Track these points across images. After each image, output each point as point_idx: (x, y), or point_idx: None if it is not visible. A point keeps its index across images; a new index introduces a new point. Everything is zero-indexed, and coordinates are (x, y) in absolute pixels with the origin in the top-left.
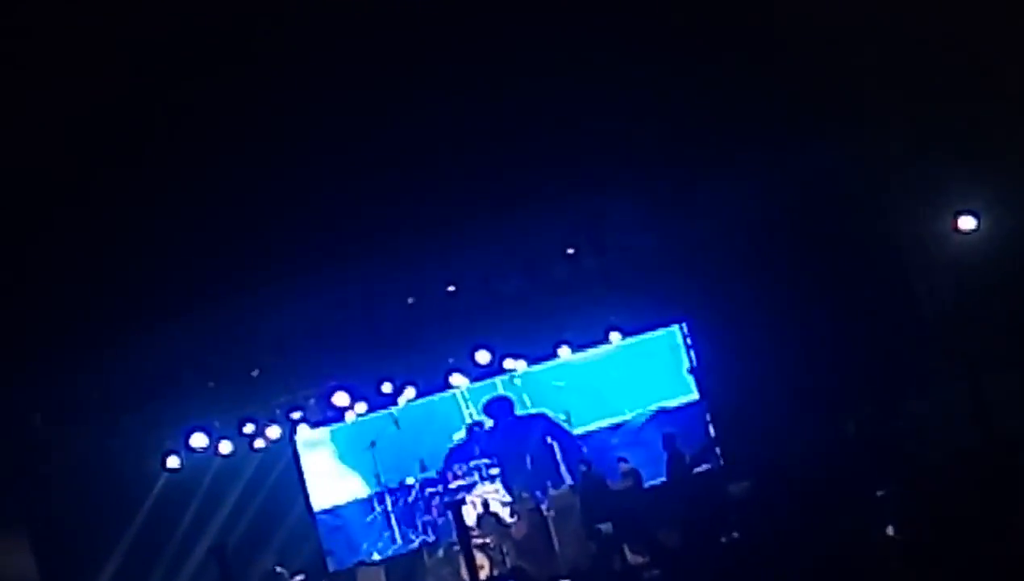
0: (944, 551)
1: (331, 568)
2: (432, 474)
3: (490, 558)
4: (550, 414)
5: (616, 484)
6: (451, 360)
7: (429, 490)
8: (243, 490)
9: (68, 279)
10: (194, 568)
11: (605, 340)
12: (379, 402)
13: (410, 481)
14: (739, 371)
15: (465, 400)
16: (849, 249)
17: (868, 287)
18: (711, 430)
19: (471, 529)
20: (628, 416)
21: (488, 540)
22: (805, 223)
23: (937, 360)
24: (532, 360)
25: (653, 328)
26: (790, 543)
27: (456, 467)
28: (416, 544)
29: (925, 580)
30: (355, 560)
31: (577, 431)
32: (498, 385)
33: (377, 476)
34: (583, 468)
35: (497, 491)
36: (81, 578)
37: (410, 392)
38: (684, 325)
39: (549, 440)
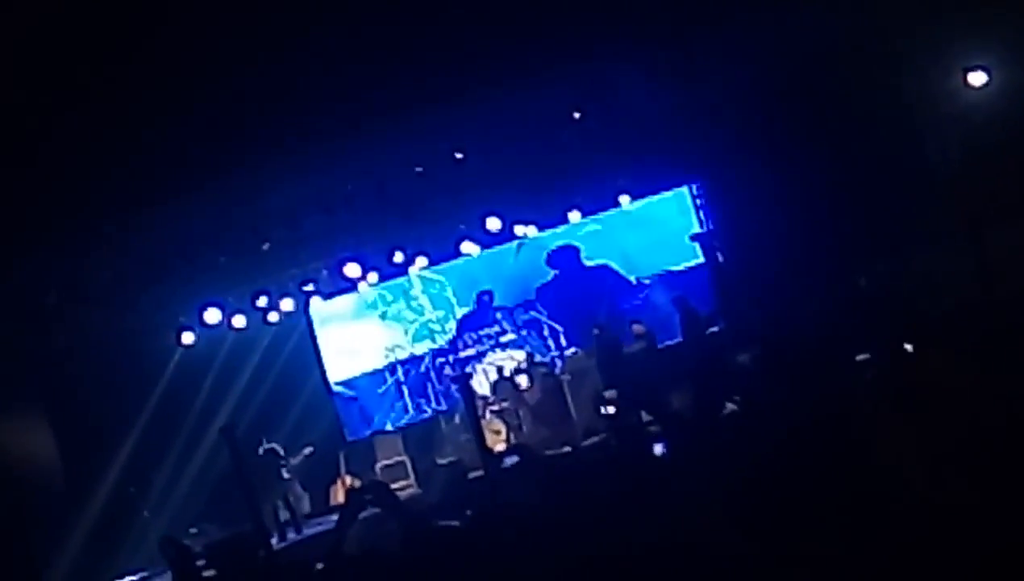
0: (938, 416)
1: (348, 439)
2: (443, 344)
3: (506, 423)
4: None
5: (631, 347)
6: (462, 228)
7: (440, 360)
8: (258, 363)
9: (80, 157)
10: (213, 440)
11: (615, 203)
12: (391, 272)
13: (421, 351)
14: (749, 231)
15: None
16: (858, 107)
17: (877, 145)
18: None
19: (487, 397)
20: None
21: (505, 405)
22: (814, 82)
23: (944, 215)
24: (542, 225)
25: (663, 190)
26: (788, 413)
27: (467, 336)
28: (429, 414)
29: (912, 437)
30: (370, 431)
31: None
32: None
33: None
34: (595, 331)
35: (511, 358)
36: (100, 454)
37: (422, 261)
38: (694, 186)
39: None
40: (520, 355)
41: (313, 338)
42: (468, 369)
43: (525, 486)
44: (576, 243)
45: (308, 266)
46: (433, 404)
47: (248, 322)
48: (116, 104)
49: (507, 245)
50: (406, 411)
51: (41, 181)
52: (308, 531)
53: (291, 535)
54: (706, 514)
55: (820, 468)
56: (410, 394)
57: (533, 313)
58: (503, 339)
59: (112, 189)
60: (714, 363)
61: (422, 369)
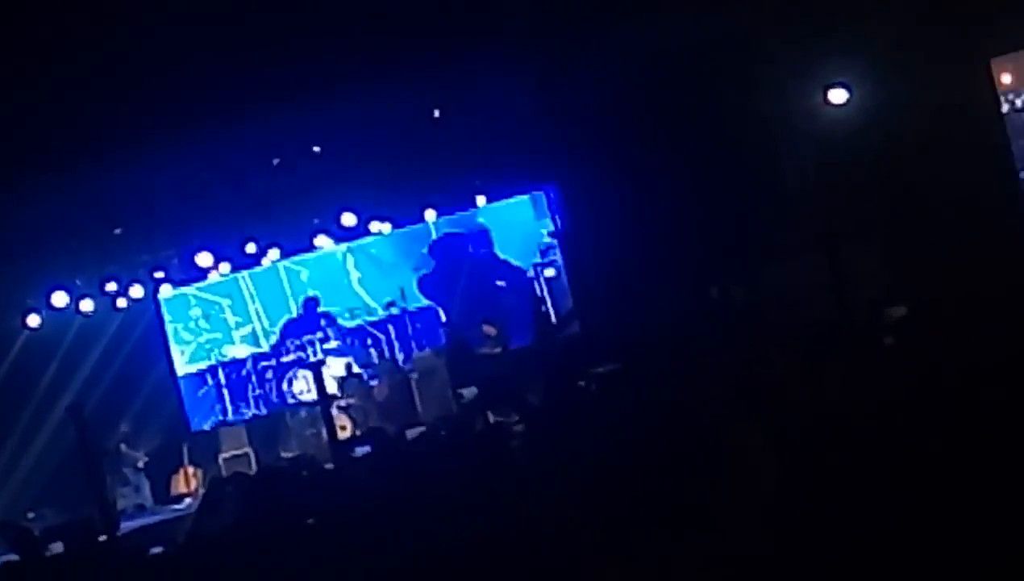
0: (786, 420)
1: (192, 429)
2: (266, 348)
3: (352, 419)
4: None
5: (482, 348)
6: (316, 221)
7: (262, 364)
8: (105, 349)
9: None
10: (54, 425)
11: (471, 204)
12: (243, 262)
13: (242, 355)
14: (604, 238)
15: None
16: (718, 121)
17: (734, 158)
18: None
19: (334, 394)
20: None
21: (352, 401)
22: (675, 93)
23: (799, 232)
24: (397, 223)
25: (519, 192)
26: (639, 413)
27: (289, 341)
28: (248, 417)
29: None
30: (215, 421)
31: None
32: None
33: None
34: (447, 331)
35: (332, 364)
36: None
37: (274, 253)
38: (551, 191)
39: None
40: (342, 363)
41: (162, 325)
42: (290, 374)
43: (375, 476)
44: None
45: (160, 253)
46: (252, 408)
47: (96, 307)
48: None
49: (336, 249)
50: (224, 414)
51: None
52: (149, 519)
53: (131, 522)
54: (553, 506)
55: (670, 466)
56: (231, 398)
57: (359, 320)
58: (326, 346)
59: None
60: (568, 366)
61: (243, 373)
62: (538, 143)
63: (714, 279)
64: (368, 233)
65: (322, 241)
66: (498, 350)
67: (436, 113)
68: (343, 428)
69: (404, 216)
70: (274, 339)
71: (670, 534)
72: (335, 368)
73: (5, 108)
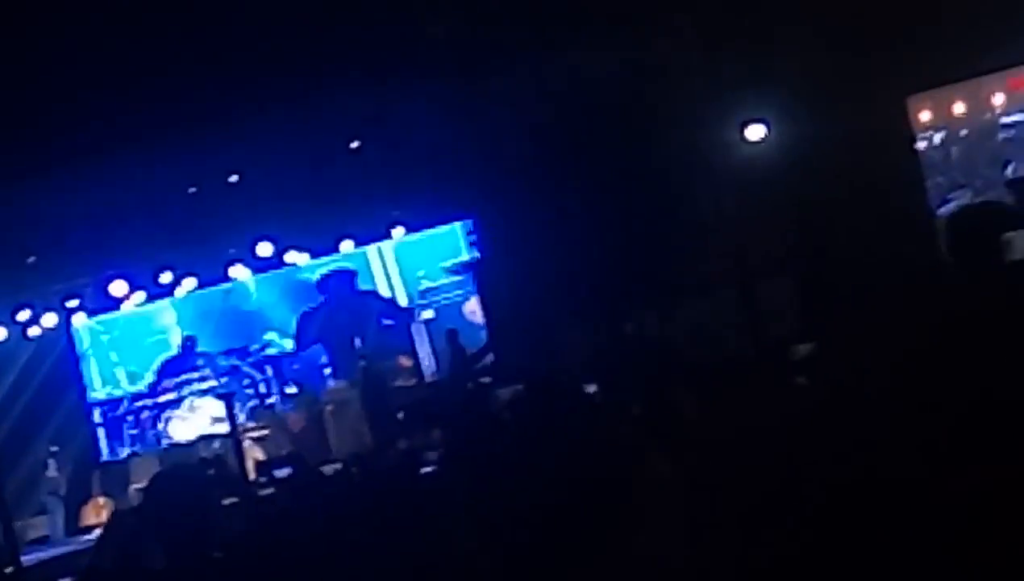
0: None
1: (103, 459)
2: (142, 387)
3: (266, 451)
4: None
5: (396, 380)
6: (232, 251)
7: (138, 403)
8: (16, 378)
9: None
10: None
11: (388, 235)
12: (158, 292)
13: (119, 393)
14: (521, 270)
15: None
16: (634, 154)
17: (651, 192)
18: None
19: (244, 424)
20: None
21: (265, 432)
22: (593, 126)
23: (715, 266)
24: (315, 254)
25: (437, 224)
26: (547, 444)
27: (167, 380)
28: (122, 457)
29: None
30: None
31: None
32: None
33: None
34: (362, 363)
35: (206, 405)
36: None
37: (190, 282)
38: (468, 222)
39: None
40: (217, 404)
41: (75, 355)
42: (166, 415)
43: (297, 501)
44: (350, 267)
45: (74, 281)
46: (128, 447)
47: (8, 335)
48: None
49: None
50: (99, 453)
51: None
52: (57, 550)
53: (40, 553)
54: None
55: (577, 502)
56: (107, 435)
57: (235, 360)
58: (203, 386)
59: None
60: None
61: (120, 411)
62: (456, 175)
63: (629, 314)
64: (284, 264)
65: (237, 271)
66: (413, 382)
67: (355, 144)
68: (257, 460)
69: (321, 246)
70: (150, 379)
71: (576, 562)
72: (212, 409)
73: None
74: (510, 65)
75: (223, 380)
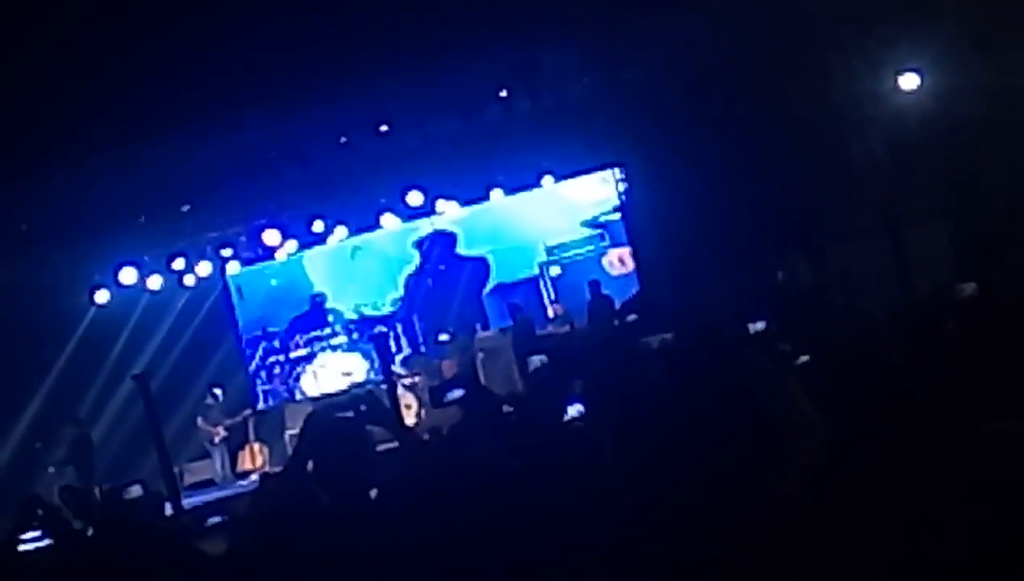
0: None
1: (260, 406)
2: (275, 343)
3: (418, 398)
4: (490, 260)
5: (548, 327)
6: (383, 200)
7: (271, 358)
8: (173, 325)
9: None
10: (121, 401)
11: (537, 183)
12: (310, 240)
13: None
14: (670, 220)
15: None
16: (787, 104)
17: (803, 142)
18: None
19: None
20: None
21: (416, 380)
22: (743, 75)
23: (867, 214)
24: (464, 202)
25: (587, 172)
26: (701, 396)
27: (298, 336)
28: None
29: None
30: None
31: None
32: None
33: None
34: (516, 310)
35: (336, 361)
36: (8, 412)
37: (341, 231)
38: (618, 169)
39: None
40: (352, 359)
41: (229, 303)
42: (298, 370)
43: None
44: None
45: (227, 231)
46: (260, 403)
47: (164, 284)
48: (42, 58)
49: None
50: (256, 400)
51: None
52: (219, 493)
53: (203, 496)
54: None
55: (727, 449)
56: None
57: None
58: (333, 342)
59: (32, 144)
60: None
61: (252, 367)
62: (606, 124)
63: (781, 261)
64: (434, 212)
65: (388, 220)
66: (565, 329)
67: (504, 93)
68: (408, 407)
69: (470, 195)
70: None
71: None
72: (343, 364)
73: (75, 86)
74: (662, 15)
75: (354, 337)
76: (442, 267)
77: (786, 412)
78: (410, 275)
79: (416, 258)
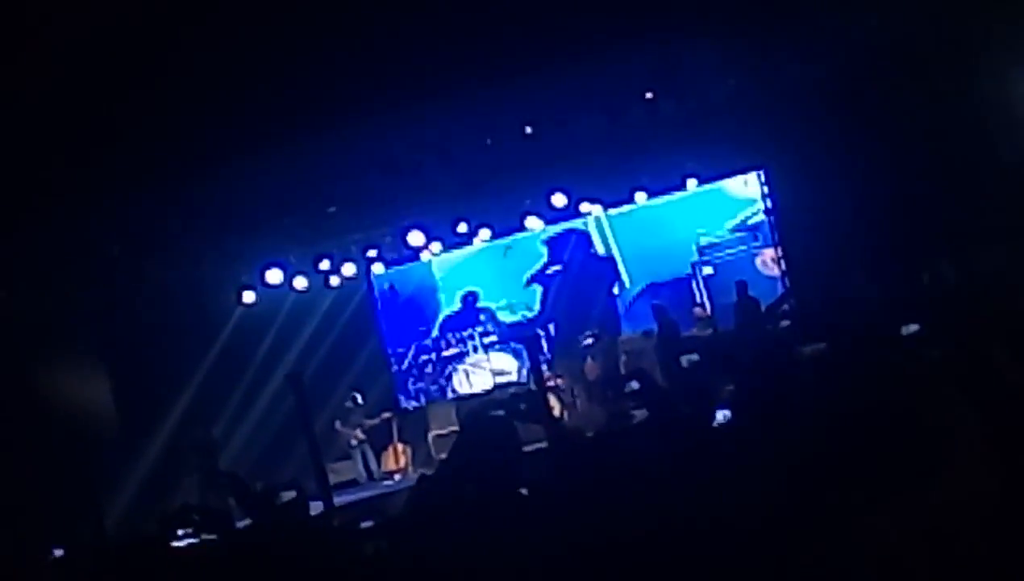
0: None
1: (401, 406)
2: (427, 342)
3: (561, 400)
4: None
5: (692, 330)
6: (527, 202)
7: (423, 357)
8: (317, 326)
9: (149, 111)
10: (268, 400)
11: (682, 186)
12: (454, 241)
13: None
14: (815, 221)
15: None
16: (932, 105)
17: (949, 144)
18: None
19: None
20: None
21: (559, 382)
22: (888, 77)
23: (1014, 213)
24: (608, 204)
25: (730, 175)
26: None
27: (449, 335)
28: (420, 404)
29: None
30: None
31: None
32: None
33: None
34: (661, 312)
35: (488, 360)
36: (155, 408)
37: (485, 233)
38: (762, 172)
39: (615, 289)
40: (504, 358)
41: (374, 303)
42: (449, 369)
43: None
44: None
45: (372, 232)
46: (413, 401)
47: (309, 284)
48: (193, 61)
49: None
50: (398, 401)
51: (113, 133)
52: (365, 493)
53: (348, 496)
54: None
55: (877, 454)
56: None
57: (518, 316)
58: (486, 341)
59: (183, 145)
60: (774, 352)
61: (404, 365)
62: (749, 126)
63: (926, 263)
64: (579, 214)
65: (532, 222)
66: (708, 331)
67: (649, 95)
68: (552, 408)
69: (614, 197)
70: (434, 333)
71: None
72: (495, 363)
73: (224, 87)
74: (806, 18)
75: (506, 336)
76: (577, 267)
77: (941, 420)
78: (539, 273)
79: (545, 255)
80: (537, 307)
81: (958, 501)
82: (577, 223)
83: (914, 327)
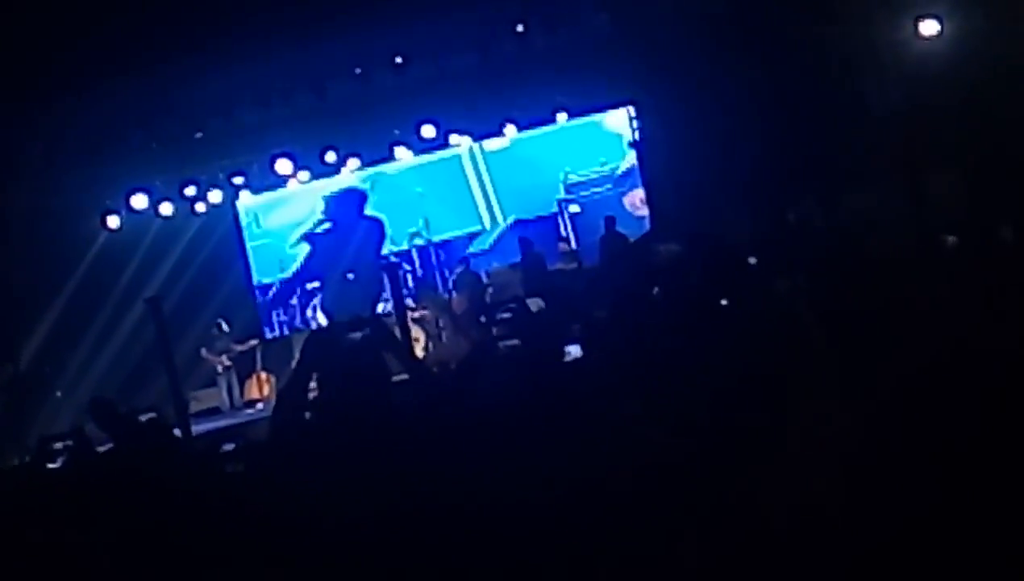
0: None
1: (267, 336)
2: (289, 275)
3: (425, 331)
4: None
5: (556, 264)
6: (396, 133)
7: (286, 290)
8: (183, 252)
9: (11, 33)
10: (131, 325)
11: (552, 120)
12: (322, 171)
13: (267, 280)
14: (684, 158)
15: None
16: (802, 47)
17: (818, 87)
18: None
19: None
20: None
21: (425, 313)
22: (760, 17)
23: (882, 158)
24: (478, 136)
25: (601, 109)
26: (707, 305)
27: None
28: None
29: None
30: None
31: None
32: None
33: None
34: (526, 245)
35: None
36: (17, 334)
37: (353, 163)
38: (632, 107)
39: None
40: None
41: (239, 231)
42: (315, 301)
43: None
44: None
45: (239, 159)
46: (275, 332)
47: (175, 210)
48: None
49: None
50: (263, 330)
51: None
52: (226, 420)
53: (209, 424)
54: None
55: (747, 378)
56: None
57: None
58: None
59: (45, 66)
60: (634, 270)
61: (269, 297)
62: (621, 61)
63: (792, 203)
64: (448, 145)
65: (401, 153)
66: (573, 265)
67: (520, 27)
68: (416, 340)
69: (484, 130)
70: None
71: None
72: None
73: (90, 8)
74: None
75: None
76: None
77: (794, 328)
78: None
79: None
80: (405, 243)
81: (813, 418)
82: (442, 155)
83: (752, 259)
